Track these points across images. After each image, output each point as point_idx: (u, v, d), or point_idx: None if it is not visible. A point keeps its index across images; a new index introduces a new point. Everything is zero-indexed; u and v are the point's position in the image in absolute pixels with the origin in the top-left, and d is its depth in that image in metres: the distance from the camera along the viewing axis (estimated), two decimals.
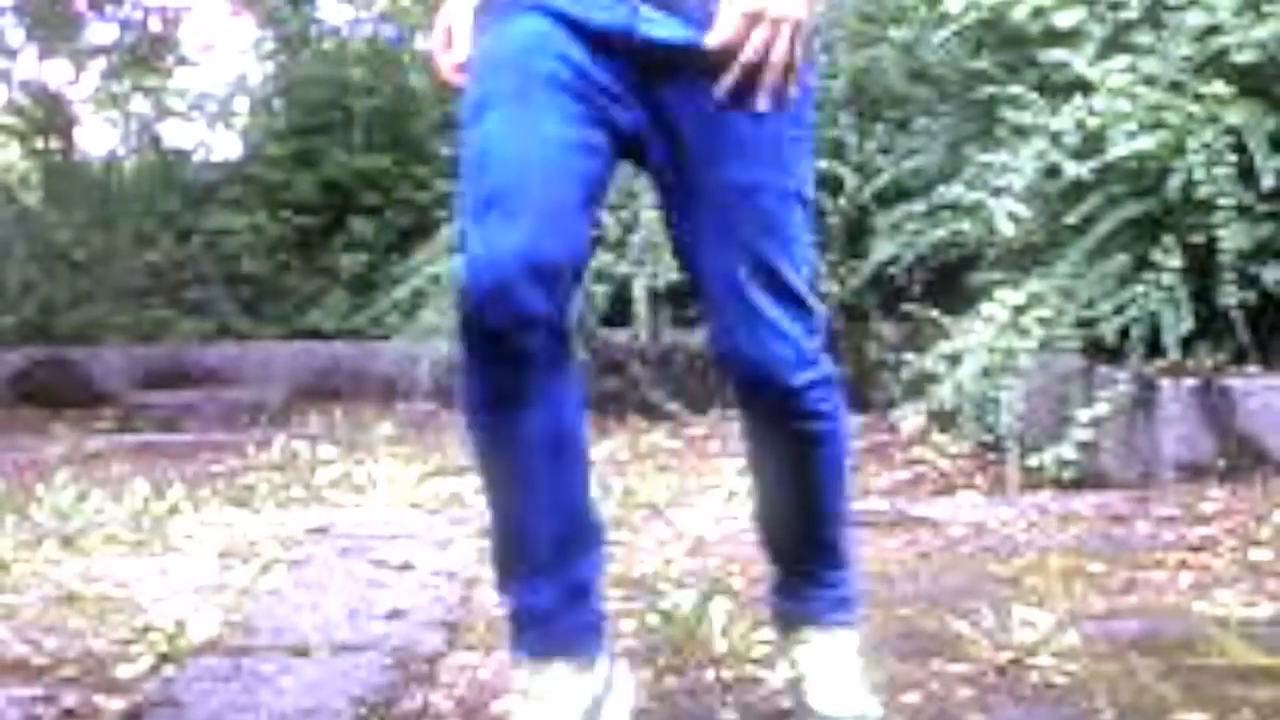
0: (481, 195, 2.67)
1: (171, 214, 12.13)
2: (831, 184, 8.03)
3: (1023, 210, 6.05)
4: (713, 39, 2.66)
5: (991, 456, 6.24)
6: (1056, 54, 6.30)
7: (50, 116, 16.26)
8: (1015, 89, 6.43)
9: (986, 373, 5.98)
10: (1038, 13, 6.46)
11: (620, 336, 8.43)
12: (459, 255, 2.70)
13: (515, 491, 2.79)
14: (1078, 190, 6.10)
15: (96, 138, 15.41)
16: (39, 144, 15.94)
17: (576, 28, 2.72)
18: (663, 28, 2.71)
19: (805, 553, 3.07)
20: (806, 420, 2.91)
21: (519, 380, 2.67)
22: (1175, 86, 5.97)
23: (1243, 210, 5.75)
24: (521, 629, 2.82)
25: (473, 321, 2.63)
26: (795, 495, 3.02)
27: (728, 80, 2.67)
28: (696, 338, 8.14)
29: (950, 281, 7.28)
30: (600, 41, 2.72)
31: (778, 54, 2.65)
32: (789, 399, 2.87)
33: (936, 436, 6.74)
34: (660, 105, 2.76)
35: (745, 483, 5.98)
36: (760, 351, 2.82)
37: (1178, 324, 5.68)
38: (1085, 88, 6.07)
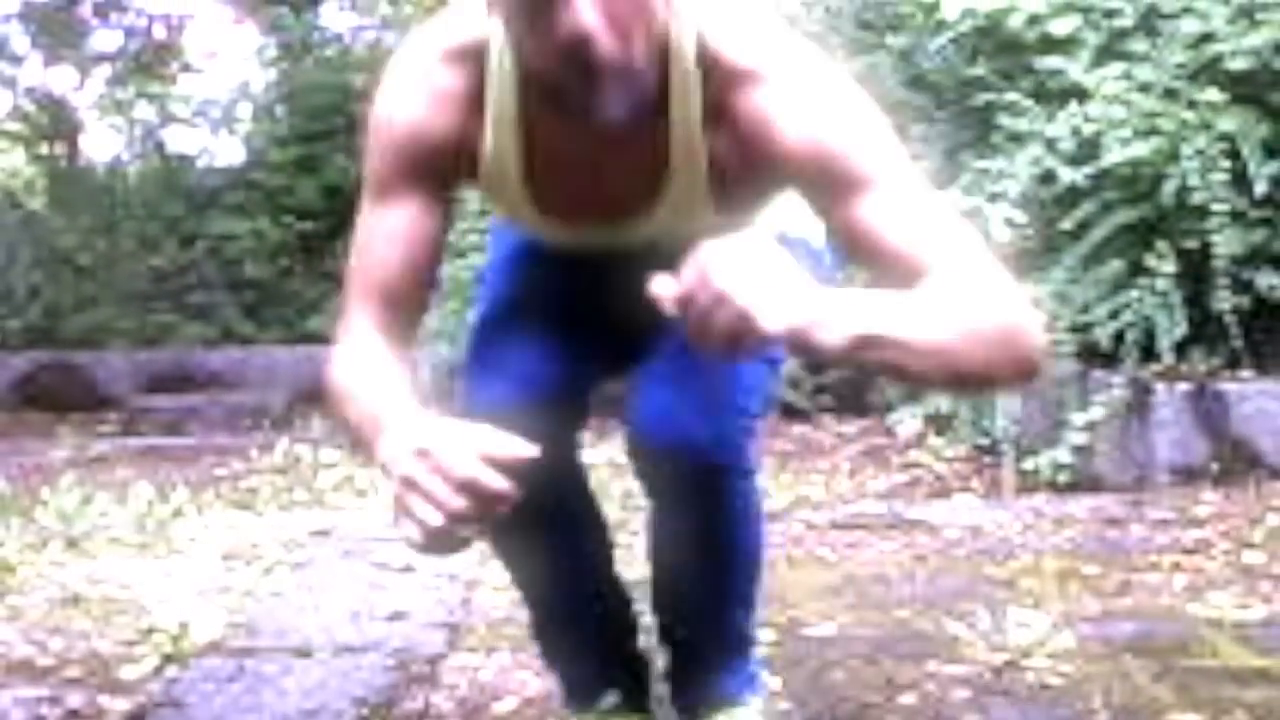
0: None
1: (175, 219, 12.15)
2: None
3: (1018, 216, 6.04)
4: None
5: (987, 460, 6.24)
6: (1052, 61, 6.30)
7: (55, 122, 16.26)
8: (1011, 96, 6.43)
9: None
10: (1033, 20, 6.46)
11: None
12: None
13: (545, 580, 2.86)
14: (1073, 196, 6.10)
15: (101, 144, 15.42)
16: (44, 150, 15.94)
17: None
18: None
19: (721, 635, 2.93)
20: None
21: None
22: (1169, 93, 5.98)
23: (1236, 216, 5.75)
24: (570, 693, 2.94)
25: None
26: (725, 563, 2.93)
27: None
28: None
29: None
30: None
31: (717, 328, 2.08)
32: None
33: (933, 440, 6.75)
34: None
35: None
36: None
37: (1172, 329, 5.68)
38: (1080, 94, 6.07)
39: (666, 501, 2.83)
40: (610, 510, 5.33)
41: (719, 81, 2.37)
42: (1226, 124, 5.80)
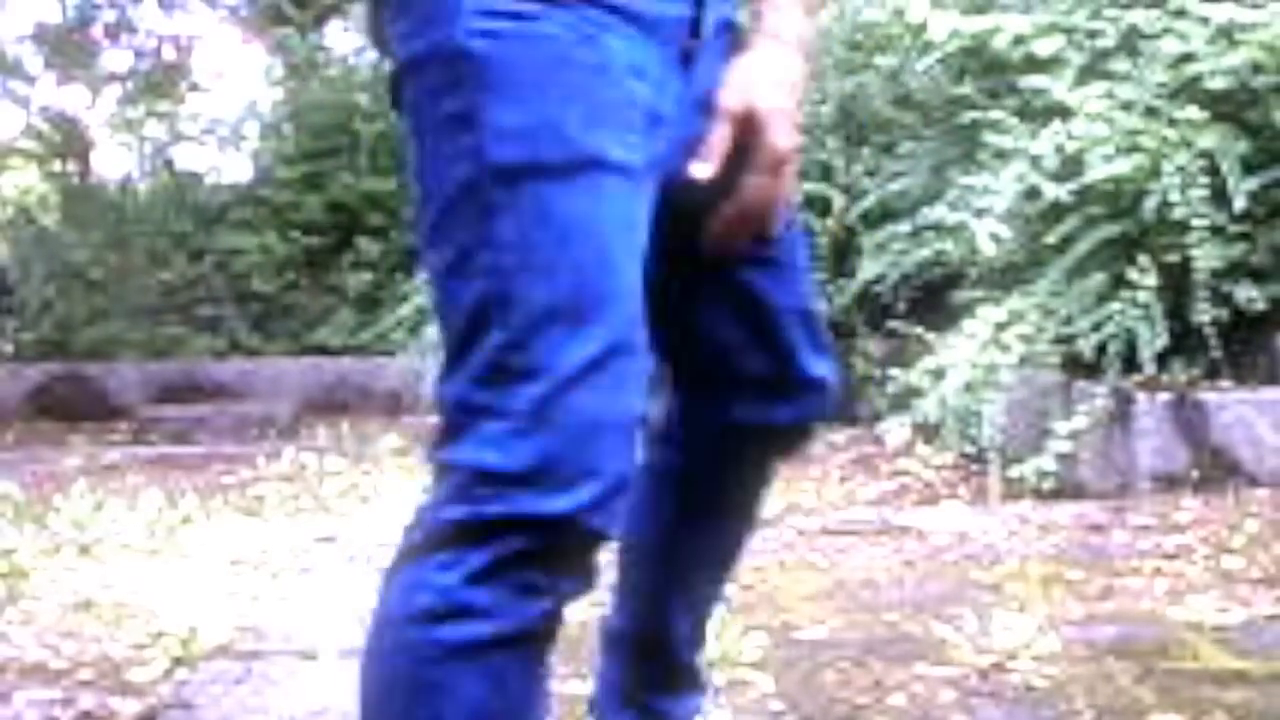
0: (593, 348, 1.82)
1: (184, 234, 12.15)
2: (820, 205, 8.04)
3: (1004, 231, 6.04)
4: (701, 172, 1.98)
5: (974, 468, 6.24)
6: (1036, 80, 6.30)
7: (68, 141, 16.25)
8: (996, 114, 6.43)
9: (969, 387, 5.98)
10: (1018, 41, 6.46)
11: None
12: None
13: None
14: (1057, 211, 6.10)
15: (112, 161, 15.43)
16: (57, 167, 15.95)
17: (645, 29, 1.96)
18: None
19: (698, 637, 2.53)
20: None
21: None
22: (1150, 112, 5.98)
23: (1215, 231, 5.75)
24: None
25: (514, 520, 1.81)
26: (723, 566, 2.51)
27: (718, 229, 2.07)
28: None
29: (934, 299, 7.29)
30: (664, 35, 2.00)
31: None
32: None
33: (921, 448, 6.75)
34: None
35: None
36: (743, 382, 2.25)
37: (1153, 340, 5.68)
38: (1064, 113, 6.07)
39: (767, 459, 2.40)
40: None
41: None
42: (1206, 141, 5.80)
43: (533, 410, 1.79)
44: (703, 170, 1.98)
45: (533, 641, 1.89)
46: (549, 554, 1.82)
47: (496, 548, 1.81)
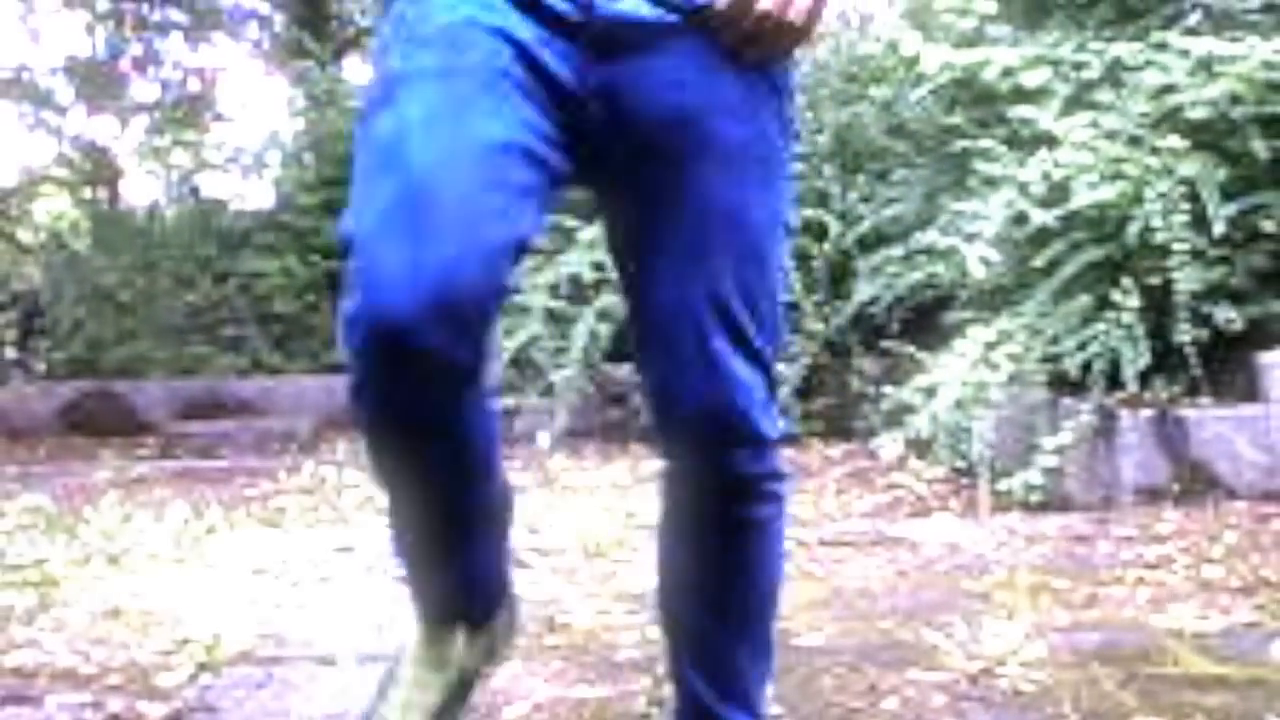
0: (386, 200, 1.96)
1: (209, 258, 12.16)
2: (816, 230, 8.05)
3: (993, 254, 6.05)
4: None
5: (964, 481, 6.24)
6: (1024, 110, 6.31)
7: (98, 169, 16.32)
8: (986, 143, 6.44)
9: (960, 404, 5.98)
10: (1007, 73, 6.47)
11: (622, 370, 8.44)
12: (347, 271, 1.97)
13: (415, 539, 2.37)
14: (1043, 236, 6.11)
15: (140, 188, 15.50)
16: (87, 194, 16.02)
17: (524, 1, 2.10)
18: (629, 2, 2.12)
19: (743, 675, 2.45)
20: (759, 501, 2.32)
21: (411, 426, 2.08)
22: (1134, 141, 5.99)
23: (1196, 254, 5.76)
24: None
25: (361, 357, 1.97)
26: (727, 602, 2.40)
27: (736, 31, 2.12)
28: None
29: (926, 320, 7.29)
30: (554, 20, 2.10)
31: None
32: (745, 464, 2.26)
33: (914, 463, 6.74)
34: (622, 102, 2.13)
35: None
36: (719, 398, 2.20)
37: (1136, 359, 5.68)
38: (1050, 141, 6.08)
39: (700, 495, 2.38)
40: (614, 530, 5.35)
41: None
42: (1187, 169, 5.81)
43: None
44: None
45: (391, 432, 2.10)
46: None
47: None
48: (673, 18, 2.12)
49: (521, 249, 2.02)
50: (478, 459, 2.21)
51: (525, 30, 2.07)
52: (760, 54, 2.13)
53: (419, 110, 2.01)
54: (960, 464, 6.22)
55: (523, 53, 2.07)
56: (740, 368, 2.20)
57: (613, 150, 2.15)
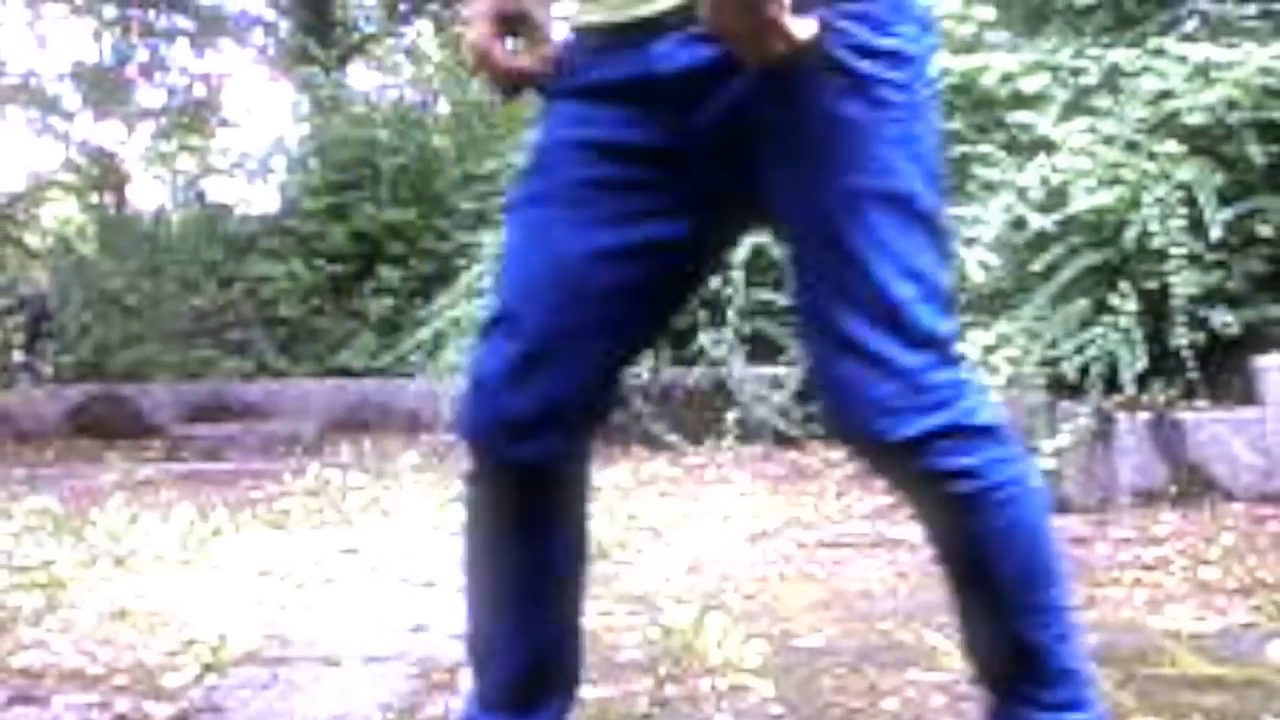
0: (490, 315, 2.27)
1: (215, 263, 12.17)
2: None
3: (992, 259, 6.05)
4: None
5: None
6: (1022, 116, 6.32)
7: (104, 174, 16.34)
8: (985, 148, 6.45)
9: None
10: (1005, 79, 6.48)
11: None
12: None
13: (490, 604, 2.43)
14: (1042, 240, 6.11)
15: (147, 193, 15.53)
16: (94, 199, 16.03)
17: (600, 94, 2.22)
18: (682, 54, 2.15)
19: (1006, 663, 2.33)
20: (941, 481, 2.19)
21: (507, 508, 2.32)
22: (1131, 146, 5.99)
23: (1193, 259, 5.76)
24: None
25: (467, 445, 2.29)
26: (967, 581, 2.30)
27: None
28: (694, 375, 8.16)
29: None
30: (627, 98, 2.20)
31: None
32: (907, 454, 2.16)
33: None
34: (719, 139, 2.17)
35: (739, 506, 5.99)
36: (855, 392, 2.15)
37: (1133, 362, 5.68)
38: (1049, 147, 6.09)
39: (891, 479, 2.39)
40: (615, 532, 5.35)
41: None
42: (1184, 174, 5.81)
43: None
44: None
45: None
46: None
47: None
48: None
49: (622, 339, 2.31)
50: (553, 569, 2.39)
51: (603, 125, 2.23)
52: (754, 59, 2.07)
53: (516, 236, 2.29)
54: None
55: (605, 148, 2.22)
56: (885, 350, 2.13)
57: (735, 181, 2.21)
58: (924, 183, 2.19)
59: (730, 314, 7.87)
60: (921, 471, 2.18)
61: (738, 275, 7.69)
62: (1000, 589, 2.27)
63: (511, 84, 2.34)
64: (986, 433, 2.19)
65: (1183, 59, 6.05)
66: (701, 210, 2.24)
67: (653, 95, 2.18)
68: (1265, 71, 5.87)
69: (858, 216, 2.13)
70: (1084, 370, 5.76)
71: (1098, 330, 5.79)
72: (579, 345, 2.23)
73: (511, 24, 2.32)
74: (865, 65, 2.13)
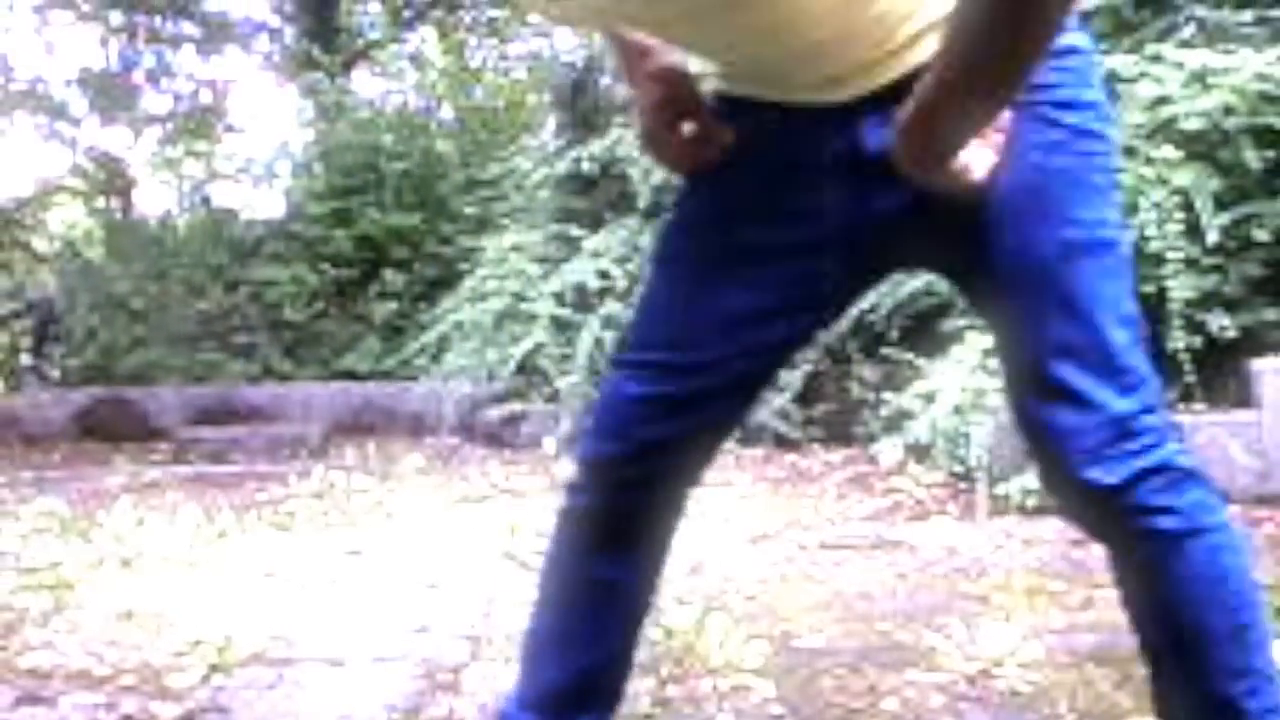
0: (640, 351, 2.31)
1: (220, 267, 12.19)
2: None
3: None
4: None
5: (962, 486, 6.23)
6: None
7: (111, 179, 16.35)
8: None
9: (958, 410, 5.98)
10: None
11: None
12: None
13: (558, 610, 2.46)
14: None
15: (153, 198, 15.54)
16: (101, 204, 16.04)
17: (773, 166, 2.22)
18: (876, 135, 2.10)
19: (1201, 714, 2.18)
20: (1150, 517, 2.10)
21: (605, 524, 2.37)
22: (1129, 151, 5.99)
23: (1190, 263, 5.76)
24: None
25: (586, 463, 2.35)
26: (1169, 638, 2.20)
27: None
28: None
29: (925, 327, 7.29)
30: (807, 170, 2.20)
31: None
32: (1118, 497, 2.09)
33: (913, 467, 6.74)
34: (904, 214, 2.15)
35: (740, 509, 5.98)
36: (1071, 441, 2.10)
37: None
38: None
39: (1088, 525, 2.24)
40: None
41: None
42: (1181, 179, 5.82)
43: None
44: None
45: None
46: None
47: None
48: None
49: (757, 391, 2.36)
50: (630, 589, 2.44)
51: (775, 192, 2.24)
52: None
53: (674, 288, 2.33)
54: (958, 469, 6.22)
55: (777, 213, 2.25)
56: (1089, 388, 2.10)
57: (923, 252, 2.27)
58: (1120, 227, 2.20)
59: None
60: (1131, 509, 2.10)
61: None
62: (1204, 645, 2.15)
63: (686, 167, 2.34)
64: (1192, 476, 2.12)
65: (1180, 65, 6.06)
66: (863, 276, 2.33)
67: (842, 170, 2.17)
68: (1261, 77, 5.87)
69: (1076, 266, 2.11)
70: None
71: None
72: (729, 391, 2.29)
73: (683, 111, 2.33)
74: (1073, 119, 2.13)
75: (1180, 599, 2.14)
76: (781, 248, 2.23)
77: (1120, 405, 2.09)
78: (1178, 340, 5.68)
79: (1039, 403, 2.13)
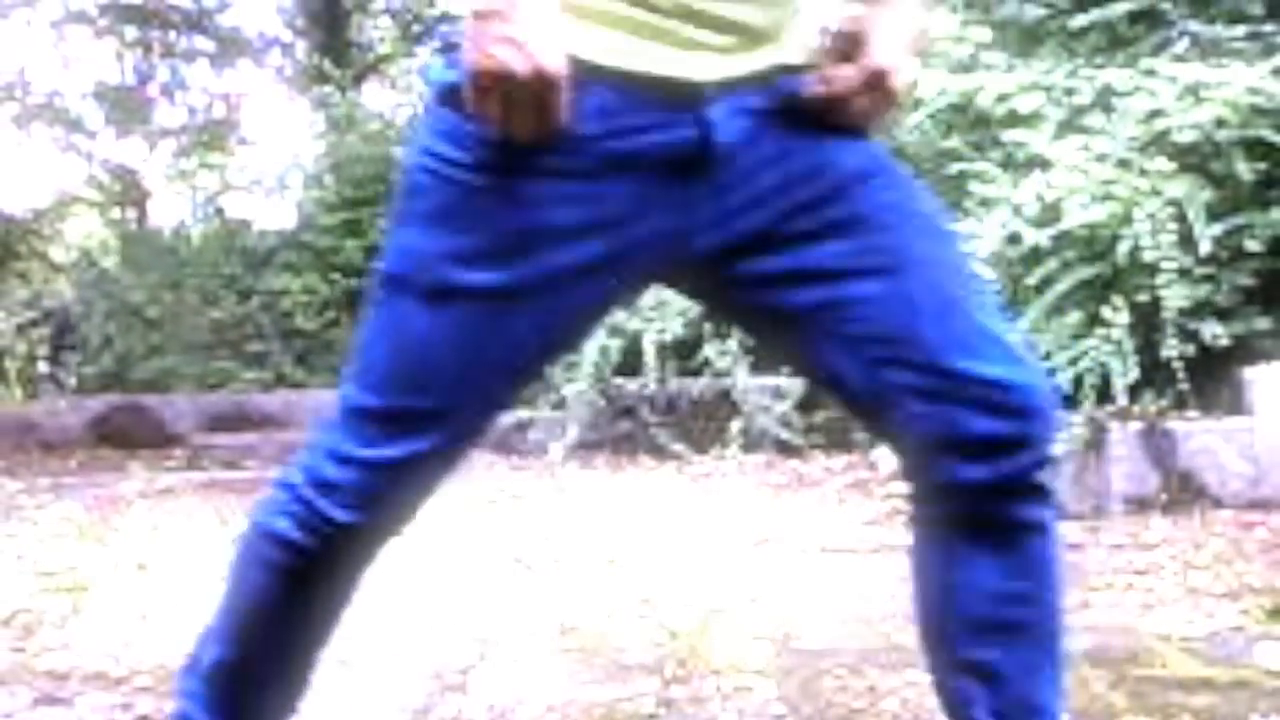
0: (390, 402, 2.15)
1: (234, 276, 12.20)
2: None
3: (988, 272, 6.05)
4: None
5: None
6: (1018, 134, 6.32)
7: (126, 190, 16.35)
8: (981, 165, 6.45)
9: None
10: (1001, 98, 6.48)
11: (632, 385, 8.44)
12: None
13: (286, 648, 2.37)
14: (1036, 255, 6.12)
15: (167, 209, 15.53)
16: (116, 214, 16.05)
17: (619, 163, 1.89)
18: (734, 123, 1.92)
19: None
20: (1029, 509, 2.20)
21: (351, 566, 2.36)
22: (1123, 163, 6.00)
23: (1183, 273, 5.77)
24: None
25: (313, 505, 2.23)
26: (1030, 620, 2.20)
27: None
28: (699, 385, 8.17)
29: None
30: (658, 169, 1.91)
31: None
32: (1002, 494, 2.12)
33: None
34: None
35: (743, 513, 5.99)
36: (957, 432, 2.04)
37: (1125, 374, 5.69)
38: (1044, 164, 6.09)
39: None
40: (622, 536, 5.35)
41: None
42: (1174, 191, 5.82)
43: None
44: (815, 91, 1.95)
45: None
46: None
47: None
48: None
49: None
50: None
51: (615, 202, 1.91)
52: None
53: (459, 331, 2.03)
54: None
55: (606, 229, 1.93)
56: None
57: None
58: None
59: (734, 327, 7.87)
60: (1012, 504, 2.14)
61: None
62: (1055, 629, 2.20)
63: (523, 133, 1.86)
64: (1054, 465, 2.13)
65: (1173, 79, 6.06)
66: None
67: (697, 168, 1.91)
68: (1253, 91, 5.87)
69: (959, 255, 2.12)
70: (1077, 381, 5.76)
71: (1090, 342, 5.80)
72: (486, 417, 2.10)
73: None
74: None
75: (1047, 586, 2.20)
76: (602, 262, 1.93)
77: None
78: (1172, 348, 5.68)
79: (925, 399, 2.07)
